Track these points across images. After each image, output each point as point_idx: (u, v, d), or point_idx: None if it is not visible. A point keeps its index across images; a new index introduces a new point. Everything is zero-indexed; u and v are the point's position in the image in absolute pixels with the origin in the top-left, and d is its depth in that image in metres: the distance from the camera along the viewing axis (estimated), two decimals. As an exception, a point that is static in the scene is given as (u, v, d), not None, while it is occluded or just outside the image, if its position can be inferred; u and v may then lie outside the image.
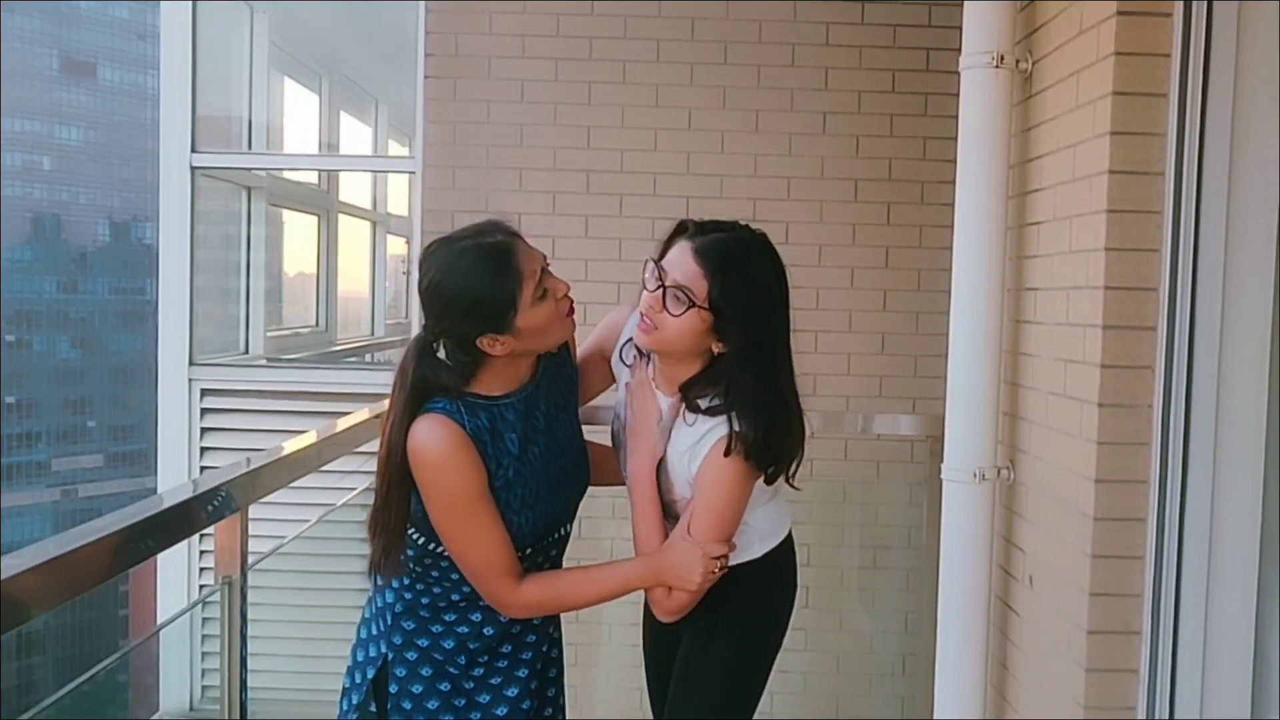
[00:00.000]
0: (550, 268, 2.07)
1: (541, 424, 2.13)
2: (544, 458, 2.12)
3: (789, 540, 2.36)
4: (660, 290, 2.04)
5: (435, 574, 2.11)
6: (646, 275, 2.08)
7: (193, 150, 4.55)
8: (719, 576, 2.10)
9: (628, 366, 2.29)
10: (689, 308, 2.02)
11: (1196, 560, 2.31)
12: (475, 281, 1.94)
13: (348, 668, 2.18)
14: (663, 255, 2.11)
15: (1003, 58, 2.74)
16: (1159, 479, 2.34)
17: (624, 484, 2.26)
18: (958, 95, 2.96)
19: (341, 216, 6.65)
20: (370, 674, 2.12)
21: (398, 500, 1.99)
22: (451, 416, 1.98)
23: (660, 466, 2.18)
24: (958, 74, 2.92)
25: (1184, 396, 2.31)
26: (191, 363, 4.55)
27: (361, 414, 2.62)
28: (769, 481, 2.16)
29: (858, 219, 4.23)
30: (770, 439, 2.07)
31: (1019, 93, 2.87)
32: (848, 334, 4.24)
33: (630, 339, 2.26)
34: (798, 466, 2.21)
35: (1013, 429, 2.92)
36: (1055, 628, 2.56)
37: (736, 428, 2.06)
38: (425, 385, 2.00)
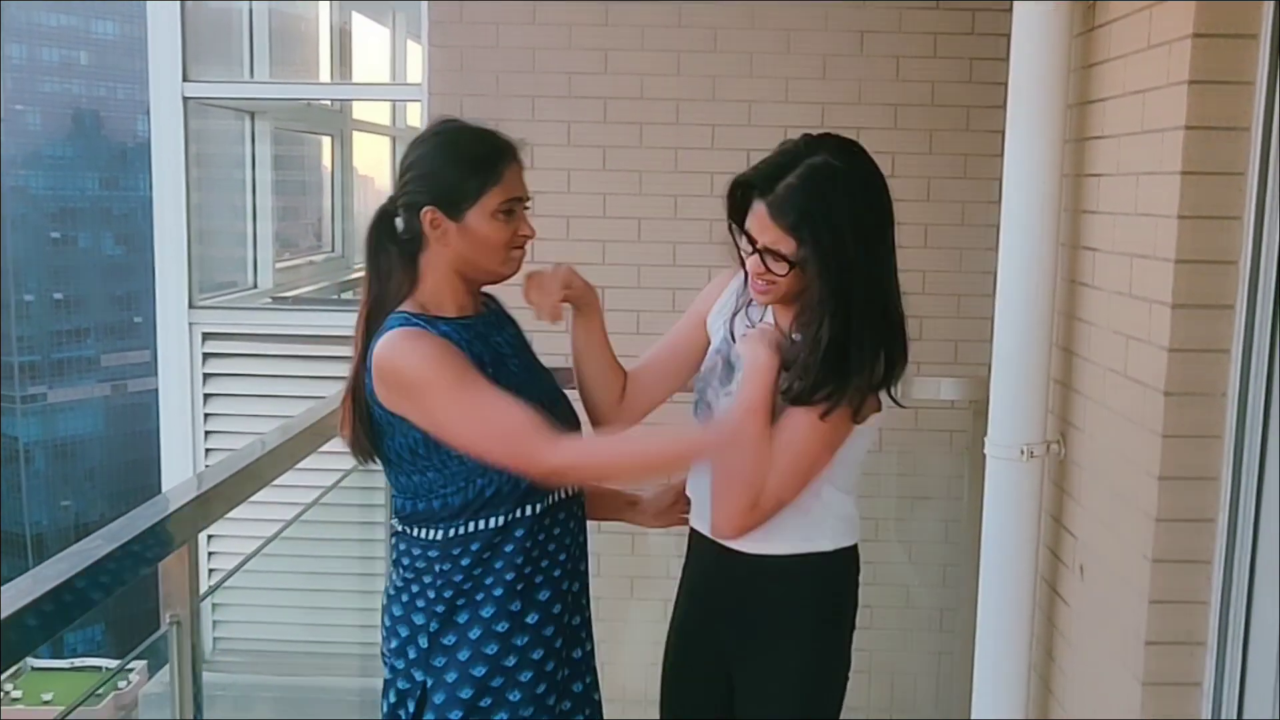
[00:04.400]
0: (529, 212, 1.94)
1: (506, 348, 1.97)
2: (523, 371, 1.96)
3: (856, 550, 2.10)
4: (756, 254, 1.90)
5: (466, 560, 1.88)
6: (741, 243, 1.94)
7: (184, 79, 4.26)
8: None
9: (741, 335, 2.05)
10: (790, 267, 1.87)
11: (1272, 565, 2.07)
12: (453, 154, 1.87)
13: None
14: (733, 210, 1.95)
15: (1063, -15, 2.41)
16: (1232, 476, 2.10)
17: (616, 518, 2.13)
18: (1008, 11, 2.65)
19: (356, 135, 6.35)
20: (412, 708, 1.91)
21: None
22: (414, 325, 1.83)
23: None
24: (1009, -12, 2.62)
25: (1264, 383, 2.05)
26: (192, 305, 4.33)
27: (322, 409, 2.38)
28: (858, 418, 1.91)
29: (897, 147, 3.88)
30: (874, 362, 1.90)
31: (1080, 23, 2.55)
32: (886, 271, 3.94)
33: (736, 312, 2.07)
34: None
35: (1065, 399, 2.66)
36: (1109, 632, 2.33)
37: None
38: (387, 257, 1.88)
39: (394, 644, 1.95)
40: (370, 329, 1.86)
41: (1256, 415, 2.05)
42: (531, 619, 1.91)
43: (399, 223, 1.88)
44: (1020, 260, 2.55)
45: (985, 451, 2.63)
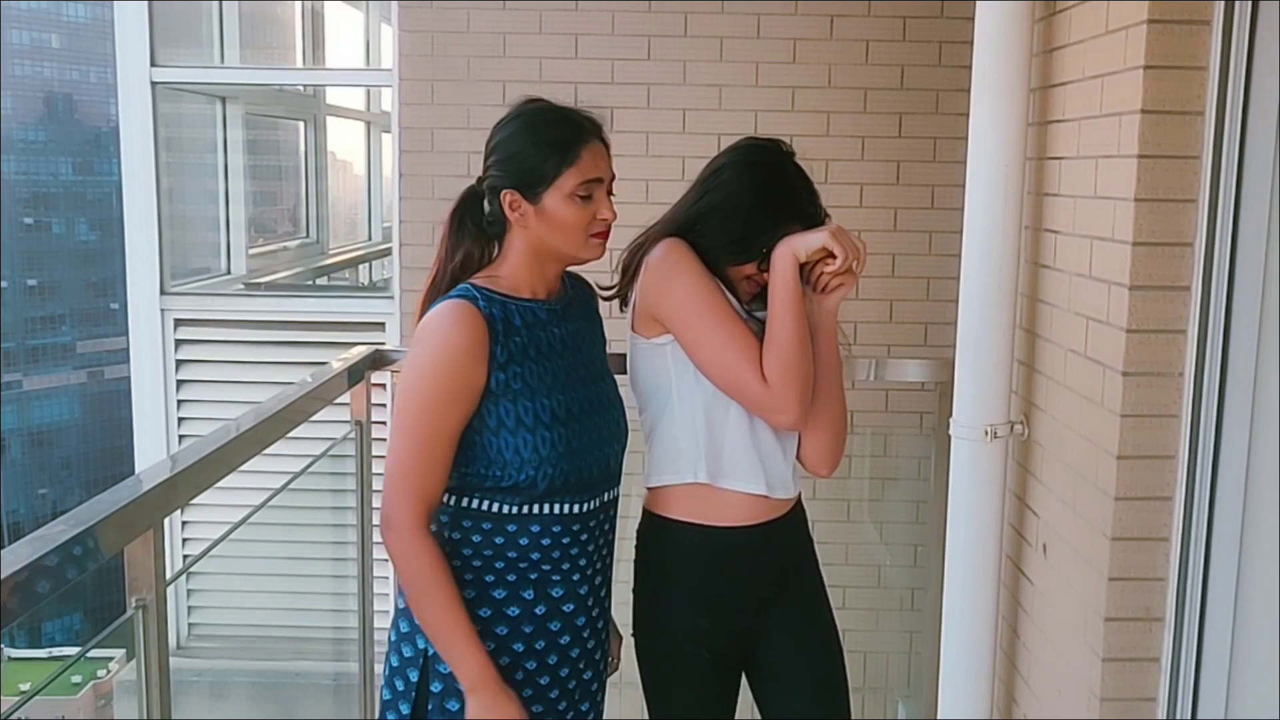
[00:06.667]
0: (614, 193, 1.98)
1: (557, 344, 1.96)
2: (566, 373, 1.95)
3: None
4: None
5: (476, 537, 1.89)
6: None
7: (153, 64, 4.24)
8: None
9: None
10: None
11: (1228, 542, 2.11)
12: (530, 137, 1.90)
13: (385, 678, 1.93)
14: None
15: (1024, -30, 2.43)
16: (1188, 454, 2.13)
17: None
18: (976, -5, 2.68)
19: (331, 120, 6.32)
20: (414, 676, 1.88)
21: None
22: (465, 297, 1.85)
23: None
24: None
25: (1219, 363, 2.08)
26: (164, 292, 4.32)
27: (294, 393, 2.39)
28: None
29: (867, 131, 3.93)
30: None
31: (1042, 8, 2.57)
32: (856, 255, 3.97)
33: None
34: None
35: (1029, 380, 2.69)
36: (1070, 609, 2.37)
37: None
38: (464, 235, 1.95)
39: (400, 604, 1.91)
40: (430, 301, 1.90)
41: (1212, 395, 2.08)
42: (540, 610, 1.92)
43: (485, 205, 1.93)
44: (984, 243, 2.57)
45: (950, 432, 2.66)
